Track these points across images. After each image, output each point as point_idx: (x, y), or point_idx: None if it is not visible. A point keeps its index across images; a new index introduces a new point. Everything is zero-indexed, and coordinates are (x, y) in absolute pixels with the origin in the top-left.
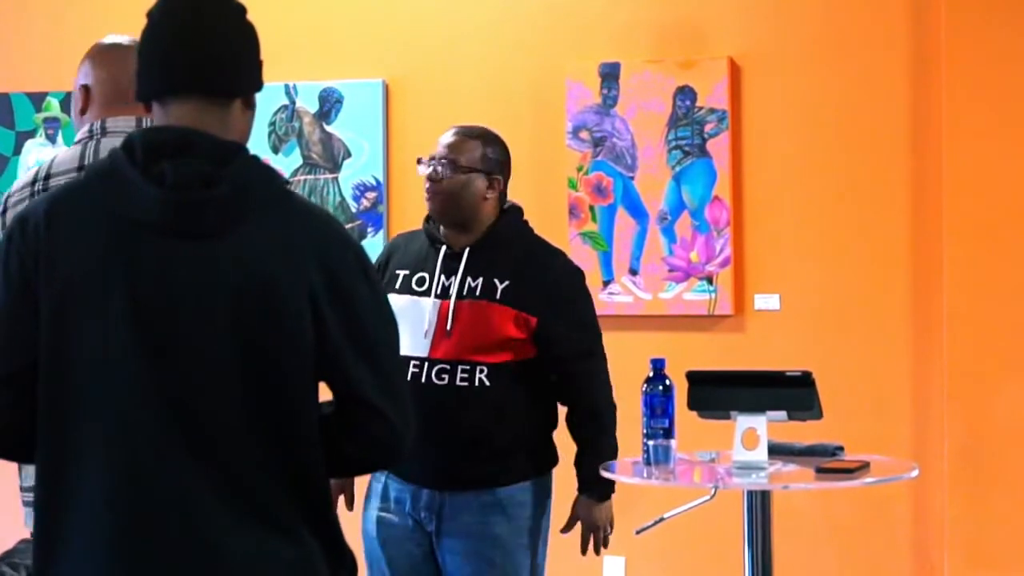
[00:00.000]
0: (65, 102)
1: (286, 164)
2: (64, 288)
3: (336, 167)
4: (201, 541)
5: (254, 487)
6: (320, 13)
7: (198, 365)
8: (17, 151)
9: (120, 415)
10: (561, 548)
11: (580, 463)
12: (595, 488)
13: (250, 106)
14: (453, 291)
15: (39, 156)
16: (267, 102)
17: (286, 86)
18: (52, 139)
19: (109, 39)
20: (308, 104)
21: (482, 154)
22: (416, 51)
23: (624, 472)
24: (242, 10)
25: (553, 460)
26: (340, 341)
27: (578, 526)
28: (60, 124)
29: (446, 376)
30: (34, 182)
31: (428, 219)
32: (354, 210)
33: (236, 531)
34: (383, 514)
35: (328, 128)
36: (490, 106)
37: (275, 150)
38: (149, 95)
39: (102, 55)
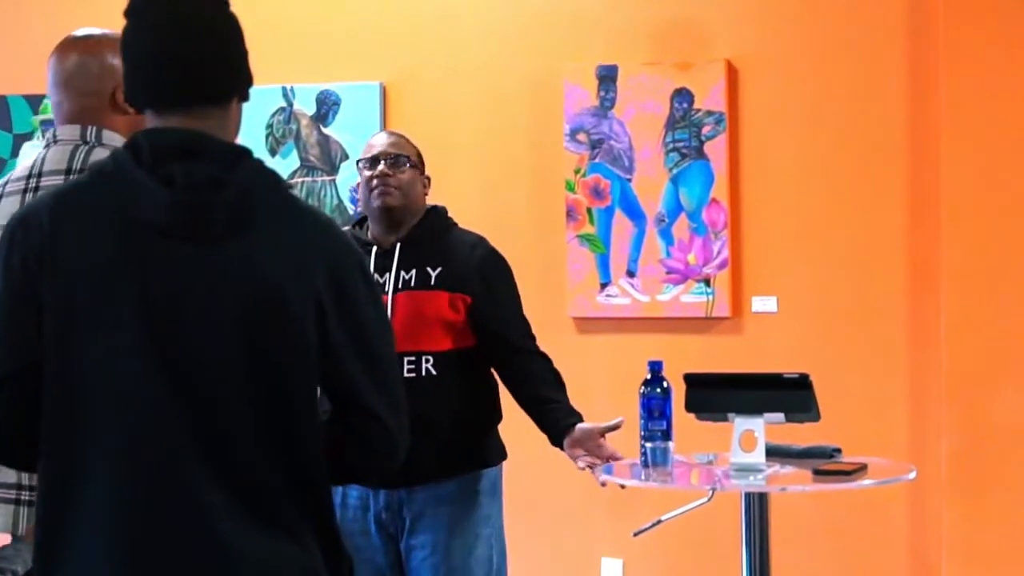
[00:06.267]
0: None
1: (283, 166)
2: (69, 288)
3: (333, 169)
4: (216, 543)
5: (263, 490)
6: (318, 15)
7: (205, 369)
8: (15, 154)
9: (128, 416)
10: (561, 548)
11: (558, 406)
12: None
13: (244, 99)
14: (389, 286)
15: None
16: (264, 104)
17: (283, 88)
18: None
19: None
20: (305, 106)
21: (417, 153)
22: (414, 53)
23: (622, 474)
24: (224, 1)
25: (502, 453)
26: (343, 347)
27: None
28: None
29: None
30: (28, 177)
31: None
32: (351, 212)
33: (249, 534)
34: (343, 524)
35: (325, 130)
36: (487, 108)
37: (272, 152)
38: (143, 103)
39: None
